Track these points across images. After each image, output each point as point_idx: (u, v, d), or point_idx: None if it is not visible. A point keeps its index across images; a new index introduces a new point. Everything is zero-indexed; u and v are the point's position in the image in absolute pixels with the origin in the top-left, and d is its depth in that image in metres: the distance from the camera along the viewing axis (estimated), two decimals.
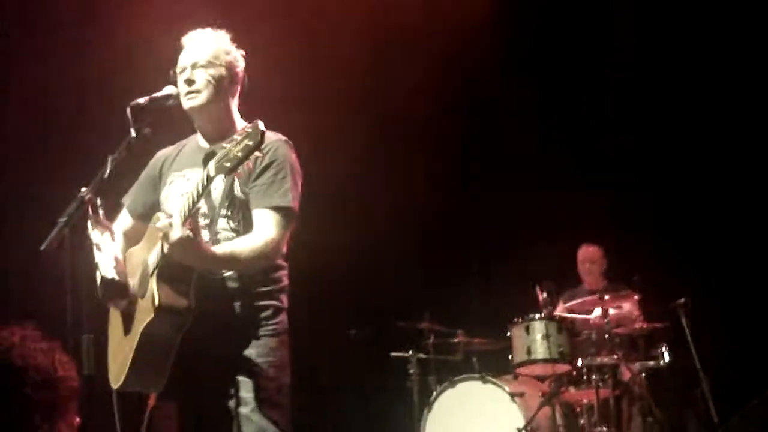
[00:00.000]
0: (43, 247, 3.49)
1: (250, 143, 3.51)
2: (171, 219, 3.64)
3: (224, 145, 3.58)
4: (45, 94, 7.59)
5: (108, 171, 3.73)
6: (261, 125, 3.56)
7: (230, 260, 3.85)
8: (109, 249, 3.83)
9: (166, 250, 3.67)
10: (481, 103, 9.54)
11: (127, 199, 4.43)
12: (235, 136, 3.58)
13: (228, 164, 3.53)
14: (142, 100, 3.94)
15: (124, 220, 4.36)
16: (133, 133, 3.84)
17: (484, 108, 9.61)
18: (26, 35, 7.56)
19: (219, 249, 3.85)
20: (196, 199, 3.66)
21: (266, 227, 3.94)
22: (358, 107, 8.96)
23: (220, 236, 4.01)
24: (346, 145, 9.04)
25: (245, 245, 3.88)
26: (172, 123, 4.21)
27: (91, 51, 7.60)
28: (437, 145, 9.42)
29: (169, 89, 4.12)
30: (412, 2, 8.81)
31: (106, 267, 3.77)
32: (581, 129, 9.59)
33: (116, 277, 3.66)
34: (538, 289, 8.10)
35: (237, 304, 3.99)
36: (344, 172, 9.07)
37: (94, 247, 3.84)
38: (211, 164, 3.60)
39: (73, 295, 3.48)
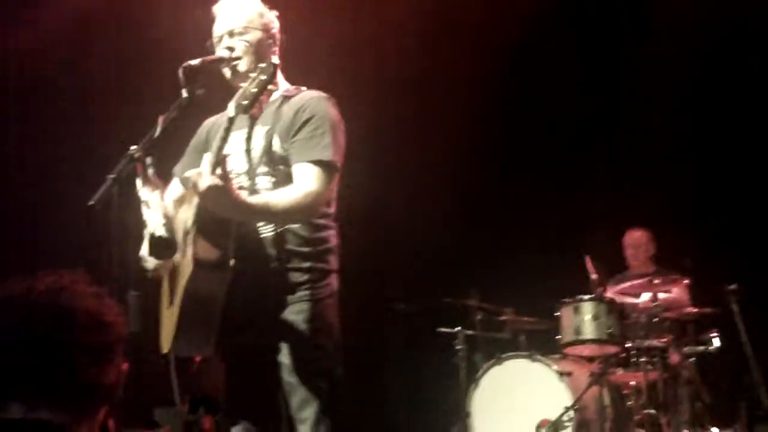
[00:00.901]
0: (91, 203, 3.50)
1: (263, 77, 3.55)
2: (200, 169, 3.63)
3: (241, 84, 3.58)
4: (102, 52, 7.66)
5: (159, 130, 3.73)
6: (275, 59, 3.57)
7: (265, 210, 3.80)
8: (159, 207, 3.83)
9: (197, 200, 3.67)
10: (532, 80, 9.49)
11: (177, 168, 4.41)
12: (250, 75, 3.59)
13: (245, 102, 3.56)
14: (194, 62, 3.93)
15: (174, 190, 4.33)
16: (185, 93, 3.84)
17: (535, 87, 9.56)
18: None
19: (254, 199, 3.82)
20: (222, 144, 3.65)
21: (306, 180, 3.88)
22: (404, 84, 8.97)
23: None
24: (398, 122, 9.05)
25: (282, 197, 3.82)
26: (223, 89, 4.21)
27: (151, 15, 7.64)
28: (486, 119, 9.37)
29: (222, 52, 4.12)
30: None
31: (155, 224, 3.78)
32: (632, 110, 9.52)
33: (165, 234, 3.67)
34: (587, 260, 8.05)
35: (279, 265, 3.95)
36: (396, 147, 9.07)
37: (143, 205, 3.85)
38: (231, 105, 3.62)
39: (120, 253, 3.50)
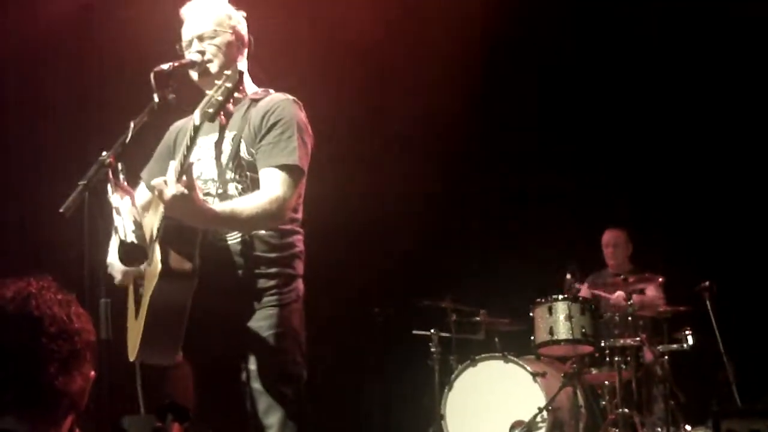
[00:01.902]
0: (62, 210, 3.46)
1: (229, 85, 3.52)
2: (165, 178, 3.60)
3: (207, 92, 3.57)
4: (71, 57, 7.62)
5: (129, 135, 3.69)
6: (241, 66, 3.56)
7: (231, 218, 3.74)
8: (129, 213, 3.79)
9: (162, 208, 3.66)
10: (507, 83, 9.50)
11: (144, 173, 4.38)
12: (216, 82, 3.57)
13: (210, 110, 3.52)
14: (165, 66, 3.88)
15: (141, 194, 4.29)
16: (156, 98, 3.81)
17: (510, 91, 9.57)
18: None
19: (219, 207, 3.77)
20: (187, 153, 3.62)
21: (272, 186, 3.84)
22: (371, 85, 8.96)
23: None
24: (368, 124, 9.05)
25: (248, 203, 3.78)
26: (192, 93, 4.19)
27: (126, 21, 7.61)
28: (461, 122, 9.38)
29: (193, 56, 4.07)
30: None
31: (125, 231, 3.75)
32: (606, 112, 9.54)
33: (135, 241, 3.63)
34: (567, 274, 8.07)
35: (245, 271, 3.93)
36: (370, 149, 9.07)
37: (114, 211, 3.81)
38: (196, 113, 3.59)
39: (91, 259, 3.47)
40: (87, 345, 2.46)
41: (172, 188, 3.52)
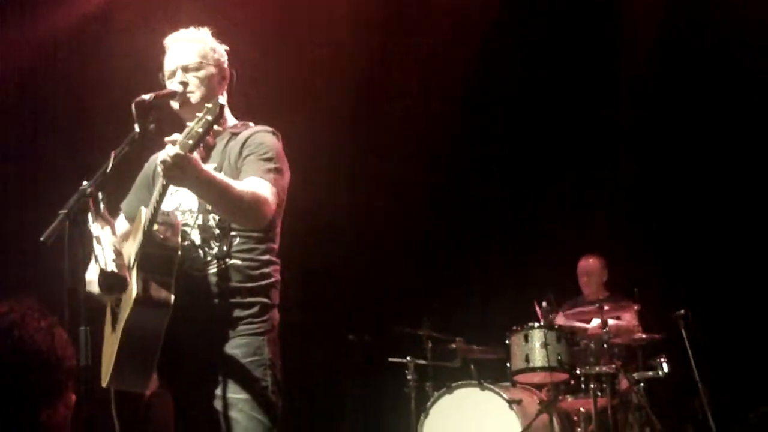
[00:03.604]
0: (42, 239, 3.48)
1: (209, 118, 3.52)
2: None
3: (188, 124, 3.58)
4: (50, 86, 7.61)
5: (111, 165, 3.70)
6: (221, 100, 3.59)
7: (224, 190, 3.73)
8: (110, 242, 3.79)
9: (140, 236, 3.72)
10: (484, 109, 9.56)
11: (124, 204, 4.40)
12: (197, 114, 3.59)
13: (190, 141, 3.52)
14: (146, 97, 3.88)
15: (121, 225, 4.29)
16: (137, 128, 3.82)
17: (488, 115, 9.62)
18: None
19: (218, 175, 3.79)
20: (163, 191, 3.73)
21: (261, 188, 3.87)
22: (353, 111, 9.01)
23: (206, 234, 4.00)
24: (351, 151, 9.09)
25: (243, 187, 3.82)
26: (174, 122, 4.20)
27: (100, 46, 7.61)
28: (438, 152, 9.42)
29: (174, 86, 4.11)
30: None
31: (106, 260, 3.74)
32: (583, 144, 9.60)
33: (116, 270, 3.64)
34: (537, 307, 8.11)
35: (221, 301, 3.94)
36: (346, 176, 9.09)
37: (94, 240, 3.81)
38: (177, 144, 3.57)
39: (71, 288, 3.48)
40: (70, 372, 2.47)
41: (173, 149, 3.53)
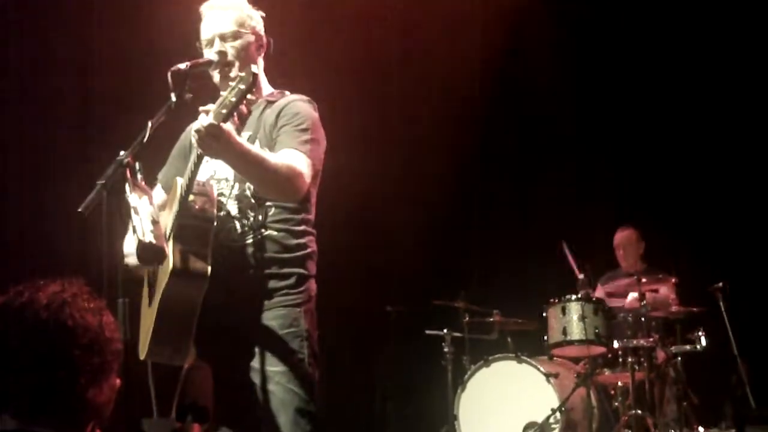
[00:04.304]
0: (81, 209, 3.47)
1: (243, 87, 3.49)
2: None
3: (221, 93, 3.56)
4: (87, 58, 7.61)
5: (147, 135, 3.68)
6: (255, 68, 3.56)
7: (259, 162, 3.72)
8: (147, 213, 3.79)
9: (176, 207, 3.71)
10: (513, 84, 9.52)
11: (161, 174, 4.38)
12: (230, 83, 3.57)
13: (224, 111, 3.50)
14: (183, 66, 3.85)
15: (158, 195, 4.27)
16: (173, 98, 3.80)
17: (518, 90, 9.59)
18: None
19: (253, 148, 3.78)
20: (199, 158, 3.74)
21: (296, 161, 3.85)
22: (390, 86, 8.99)
23: (242, 204, 3.98)
24: (385, 124, 9.08)
25: (278, 159, 3.80)
26: (211, 90, 4.18)
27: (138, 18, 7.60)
28: (473, 126, 9.39)
29: (210, 55, 4.07)
30: None
31: (144, 230, 3.74)
32: (620, 112, 9.54)
33: (153, 241, 3.63)
34: (565, 249, 8.07)
35: (257, 272, 3.92)
36: (384, 150, 9.08)
37: (132, 211, 3.81)
38: (210, 115, 3.56)
39: (109, 259, 3.48)
40: (116, 355, 2.47)
41: (206, 119, 3.53)
